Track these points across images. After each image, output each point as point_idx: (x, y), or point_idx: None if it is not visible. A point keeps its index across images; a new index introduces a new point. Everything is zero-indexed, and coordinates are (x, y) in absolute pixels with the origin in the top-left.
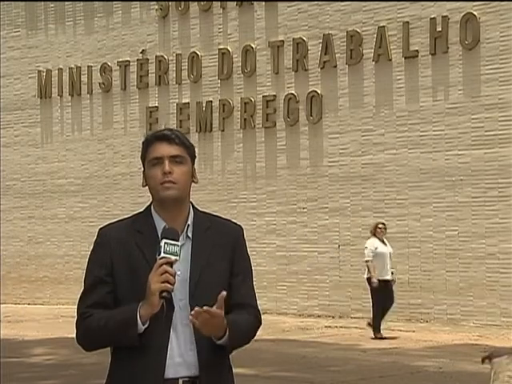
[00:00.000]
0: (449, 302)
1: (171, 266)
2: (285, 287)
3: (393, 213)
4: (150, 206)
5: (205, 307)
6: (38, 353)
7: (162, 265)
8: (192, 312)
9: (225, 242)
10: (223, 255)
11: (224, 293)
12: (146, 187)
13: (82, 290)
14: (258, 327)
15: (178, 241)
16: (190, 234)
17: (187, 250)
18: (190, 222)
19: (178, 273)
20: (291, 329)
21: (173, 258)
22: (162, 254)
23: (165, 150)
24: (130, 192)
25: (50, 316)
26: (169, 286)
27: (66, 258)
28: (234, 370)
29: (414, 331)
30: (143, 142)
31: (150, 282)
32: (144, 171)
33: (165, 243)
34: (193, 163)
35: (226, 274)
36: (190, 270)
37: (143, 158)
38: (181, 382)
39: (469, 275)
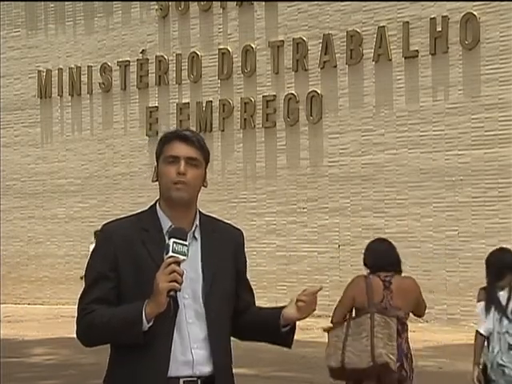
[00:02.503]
0: (449, 302)
1: (179, 266)
2: (285, 287)
3: (393, 213)
4: (155, 204)
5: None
6: (37, 353)
7: (170, 264)
8: (308, 291)
9: (229, 245)
10: (228, 257)
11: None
12: (156, 182)
13: (84, 286)
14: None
15: (186, 240)
16: (196, 235)
17: (195, 250)
18: (197, 223)
19: (184, 270)
20: None
21: (181, 257)
22: (171, 253)
23: (183, 150)
24: (130, 192)
25: (50, 316)
26: (177, 285)
27: (66, 258)
28: (234, 371)
29: (413, 331)
30: (161, 138)
31: (157, 281)
32: (157, 166)
33: (173, 242)
34: (206, 167)
35: (233, 276)
36: (202, 271)
37: (158, 153)
38: (181, 382)
39: (469, 275)
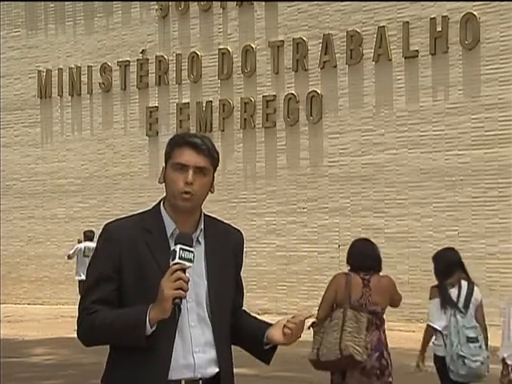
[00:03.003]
0: None
1: (184, 272)
2: (285, 287)
3: (393, 213)
4: (158, 204)
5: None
6: (37, 353)
7: (176, 271)
8: (297, 320)
9: (230, 248)
10: (230, 260)
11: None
12: (156, 183)
13: (86, 285)
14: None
15: (192, 247)
16: (200, 239)
17: (199, 254)
18: (202, 227)
19: (189, 277)
20: None
21: (187, 264)
22: (177, 260)
23: (192, 158)
24: (130, 192)
25: (50, 316)
26: (182, 292)
27: (65, 258)
28: (234, 370)
29: (413, 331)
30: (171, 140)
31: (163, 287)
32: (165, 168)
33: (180, 249)
34: (214, 171)
35: (234, 279)
36: (206, 275)
37: (167, 156)
38: (183, 383)
39: None
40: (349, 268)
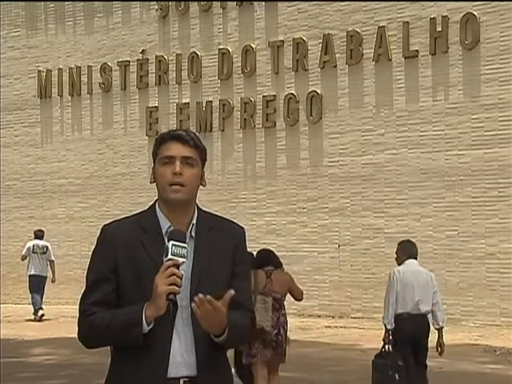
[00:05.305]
0: (449, 301)
1: (178, 268)
2: None
3: (393, 213)
4: (154, 204)
5: (208, 297)
6: (38, 353)
7: (169, 267)
8: (195, 298)
9: (227, 243)
10: (225, 255)
11: (232, 292)
12: (154, 184)
13: (84, 287)
14: (252, 331)
15: (185, 243)
16: (193, 234)
17: (190, 249)
18: (194, 222)
19: (183, 272)
20: (291, 329)
21: (180, 260)
22: (170, 256)
23: (178, 150)
24: (129, 192)
25: (50, 316)
26: (176, 288)
27: (65, 258)
28: (233, 371)
29: None
30: (157, 139)
31: (156, 284)
32: (153, 167)
33: (172, 245)
34: (203, 166)
35: (228, 275)
36: (191, 270)
37: (155, 154)
38: (182, 382)
39: (469, 275)
40: (256, 267)
